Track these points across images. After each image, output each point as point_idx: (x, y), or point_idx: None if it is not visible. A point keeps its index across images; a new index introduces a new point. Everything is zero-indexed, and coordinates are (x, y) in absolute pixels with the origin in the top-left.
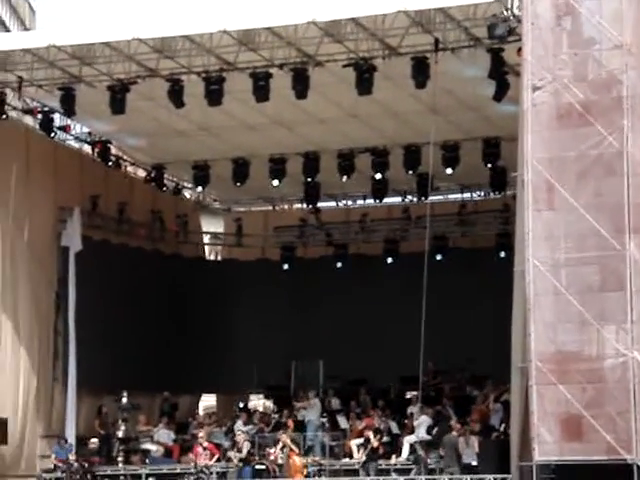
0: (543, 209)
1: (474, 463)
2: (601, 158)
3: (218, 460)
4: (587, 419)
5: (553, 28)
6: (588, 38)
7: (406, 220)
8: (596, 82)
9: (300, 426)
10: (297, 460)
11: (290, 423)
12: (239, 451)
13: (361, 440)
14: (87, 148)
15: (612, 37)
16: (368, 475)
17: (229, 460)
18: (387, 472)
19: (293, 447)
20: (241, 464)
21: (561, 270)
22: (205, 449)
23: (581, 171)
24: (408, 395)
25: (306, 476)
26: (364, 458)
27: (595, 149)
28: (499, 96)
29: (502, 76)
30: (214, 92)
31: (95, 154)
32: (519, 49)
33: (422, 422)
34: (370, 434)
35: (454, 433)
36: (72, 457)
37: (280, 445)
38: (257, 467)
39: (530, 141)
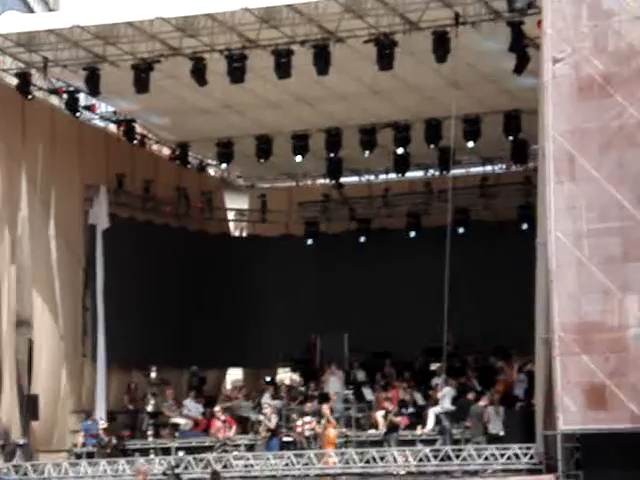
0: (565, 181)
1: (501, 433)
2: (622, 129)
3: (245, 432)
4: (610, 388)
5: (573, 0)
6: (607, 10)
7: (428, 194)
8: (616, 53)
9: (325, 398)
10: (331, 432)
11: (332, 395)
12: (267, 424)
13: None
14: (112, 127)
15: (631, 8)
16: (390, 446)
17: (257, 433)
18: (413, 443)
19: (332, 419)
20: (269, 436)
21: (583, 241)
22: (224, 422)
23: (602, 142)
24: (432, 367)
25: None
26: (384, 430)
27: (616, 120)
28: (519, 69)
29: (522, 49)
30: (236, 70)
31: (120, 133)
32: (539, 22)
33: (446, 393)
34: (388, 405)
35: (480, 403)
36: (101, 432)
37: (307, 418)
38: (284, 439)
39: (551, 113)
